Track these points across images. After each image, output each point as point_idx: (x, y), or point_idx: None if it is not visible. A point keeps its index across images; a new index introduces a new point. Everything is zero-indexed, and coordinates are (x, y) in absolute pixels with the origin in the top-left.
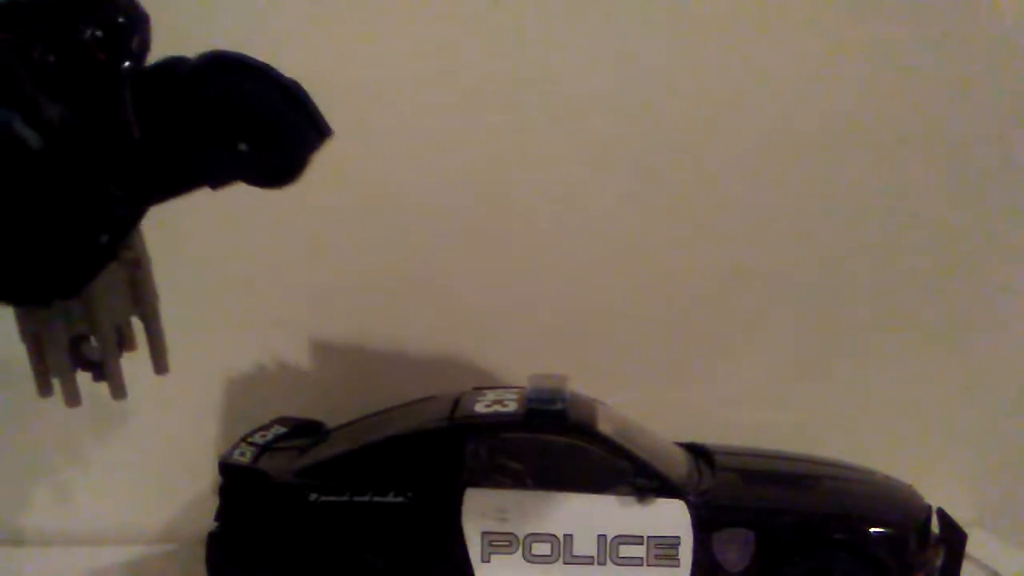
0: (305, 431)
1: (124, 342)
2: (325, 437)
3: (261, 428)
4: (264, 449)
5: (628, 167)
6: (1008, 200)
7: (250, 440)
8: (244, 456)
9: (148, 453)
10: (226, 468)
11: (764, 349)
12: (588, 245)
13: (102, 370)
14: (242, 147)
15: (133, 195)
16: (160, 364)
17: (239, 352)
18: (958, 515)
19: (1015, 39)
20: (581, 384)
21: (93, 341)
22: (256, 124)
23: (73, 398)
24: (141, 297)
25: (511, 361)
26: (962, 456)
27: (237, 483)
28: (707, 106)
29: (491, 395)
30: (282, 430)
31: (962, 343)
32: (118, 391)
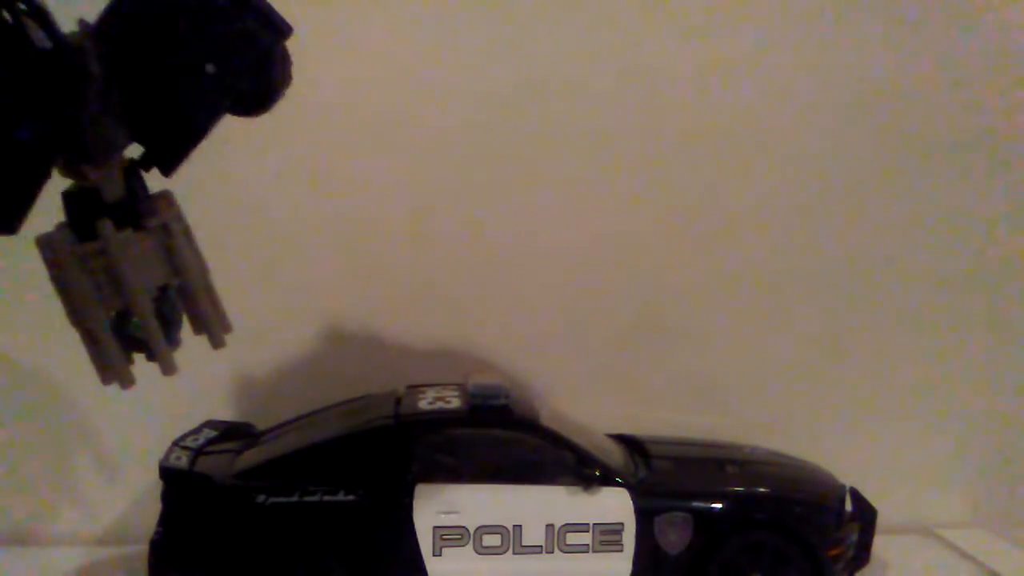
0: (235, 433)
1: (175, 318)
2: (257, 439)
3: (192, 432)
4: (198, 453)
5: (629, 170)
6: (1009, 203)
7: (183, 444)
8: (181, 460)
9: (150, 454)
10: (167, 473)
11: (764, 350)
12: (589, 248)
13: (150, 348)
14: (210, 68)
15: (47, 118)
16: (214, 338)
17: (241, 353)
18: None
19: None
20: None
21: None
22: (211, 36)
23: (125, 380)
24: (181, 267)
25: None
26: (962, 456)
27: (180, 488)
28: (707, 108)
29: (431, 392)
30: (212, 433)
31: (962, 344)
32: (167, 368)
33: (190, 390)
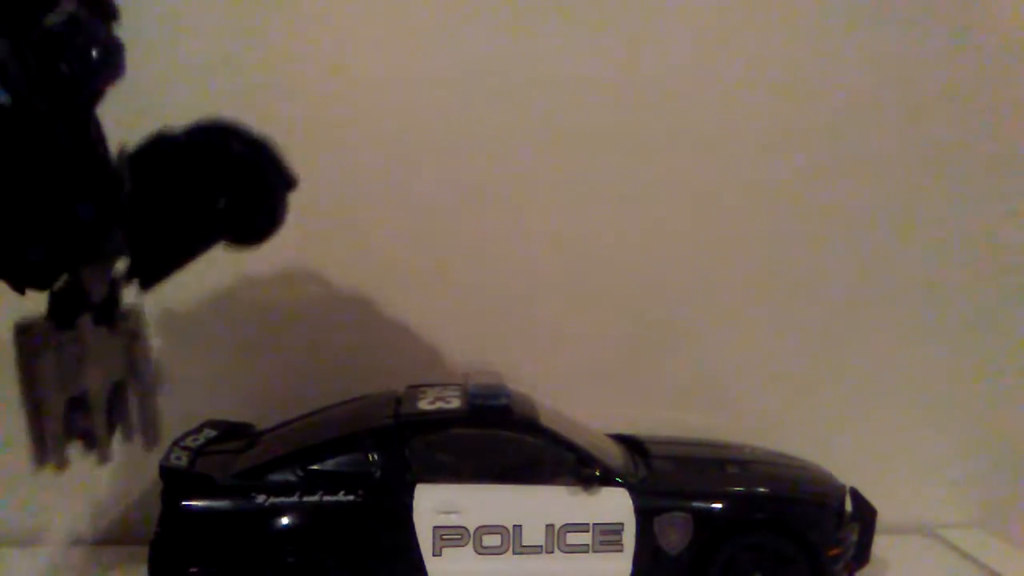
0: (235, 433)
1: (119, 415)
2: (257, 439)
3: (192, 432)
4: (198, 453)
5: (632, 171)
6: (1006, 204)
7: (183, 444)
8: (181, 460)
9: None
10: (167, 472)
11: (764, 351)
12: (590, 249)
13: (93, 437)
14: (221, 203)
15: (103, 211)
16: (149, 439)
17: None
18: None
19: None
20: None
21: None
22: (232, 178)
23: (61, 463)
24: (136, 370)
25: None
26: (962, 456)
27: (180, 488)
28: (704, 109)
29: (431, 392)
30: (212, 433)
31: (962, 344)
32: (104, 457)
33: (191, 390)
